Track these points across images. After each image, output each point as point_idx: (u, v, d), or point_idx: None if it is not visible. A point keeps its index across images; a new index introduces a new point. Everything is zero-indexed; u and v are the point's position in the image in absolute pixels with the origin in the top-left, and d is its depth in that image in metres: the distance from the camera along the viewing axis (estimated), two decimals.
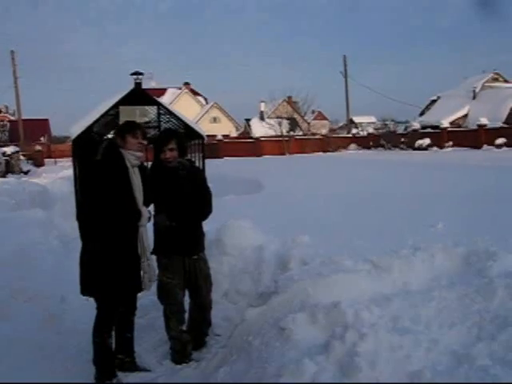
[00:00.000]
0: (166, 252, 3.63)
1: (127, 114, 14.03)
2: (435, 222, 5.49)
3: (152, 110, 14.62)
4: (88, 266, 3.22)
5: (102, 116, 13.07)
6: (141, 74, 13.43)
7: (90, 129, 12.15)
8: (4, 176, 21.69)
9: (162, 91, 54.66)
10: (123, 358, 3.55)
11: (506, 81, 39.28)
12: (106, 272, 3.20)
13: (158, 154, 3.59)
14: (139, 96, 13.39)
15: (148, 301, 4.56)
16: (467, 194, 8.86)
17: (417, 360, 2.38)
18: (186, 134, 13.71)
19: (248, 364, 2.86)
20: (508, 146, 25.07)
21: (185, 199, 3.59)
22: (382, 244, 4.33)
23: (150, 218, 3.47)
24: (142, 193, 3.35)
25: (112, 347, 3.40)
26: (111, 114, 13.58)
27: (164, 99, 43.92)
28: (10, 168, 24.08)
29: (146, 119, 15.60)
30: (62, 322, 4.33)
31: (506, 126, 28.25)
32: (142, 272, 3.37)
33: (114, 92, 14.50)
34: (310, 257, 4.07)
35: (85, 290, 3.30)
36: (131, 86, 13.25)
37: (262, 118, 49.14)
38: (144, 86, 13.95)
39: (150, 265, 3.44)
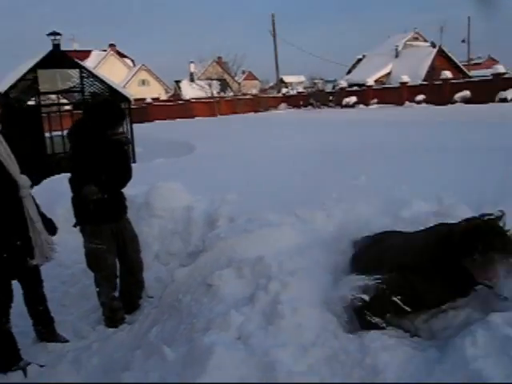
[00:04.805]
0: (92, 221, 3.55)
1: (47, 79, 13.19)
2: (358, 174, 5.70)
3: (74, 74, 13.84)
4: None
5: (19, 81, 12.25)
6: (59, 34, 12.58)
7: (6, 94, 11.38)
8: None
9: (86, 54, 51.57)
10: (41, 329, 3.52)
11: (425, 40, 40.84)
12: None
13: (106, 127, 3.42)
14: (59, 59, 12.60)
15: (78, 269, 4.49)
16: (387, 147, 9.29)
17: None
18: (111, 98, 13.15)
19: (178, 321, 2.92)
20: (427, 103, 26.43)
21: (117, 170, 3.52)
22: (307, 198, 4.45)
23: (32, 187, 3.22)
24: (15, 161, 3.09)
25: (11, 331, 3.21)
26: (29, 79, 12.73)
27: (88, 62, 41.55)
28: None
29: (69, 84, 14.76)
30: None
31: (425, 83, 29.58)
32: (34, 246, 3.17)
33: (32, 55, 13.54)
34: (237, 214, 4.11)
35: None
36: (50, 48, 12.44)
37: (191, 80, 48.01)
38: (66, 48, 13.16)
39: (42, 238, 3.20)
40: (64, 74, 14.06)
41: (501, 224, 2.23)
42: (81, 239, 3.68)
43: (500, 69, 24.37)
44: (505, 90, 22.58)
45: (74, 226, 3.61)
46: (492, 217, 2.26)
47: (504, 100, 22.19)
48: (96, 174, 3.44)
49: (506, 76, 24.07)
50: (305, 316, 2.36)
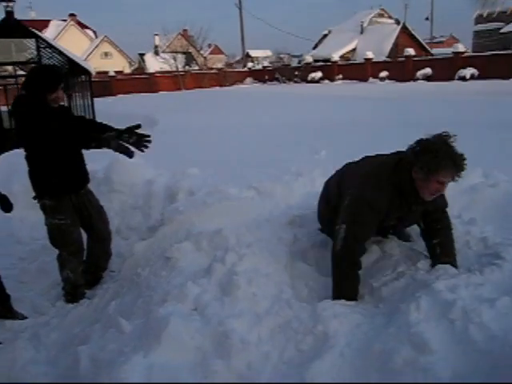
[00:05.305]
0: (53, 193, 3.42)
1: (1, 49, 12.54)
2: (319, 149, 5.78)
3: (31, 45, 13.23)
4: None
5: None
6: (12, 0, 11.96)
7: None
8: None
9: (45, 23, 49.21)
10: None
11: (390, 17, 41.14)
12: None
13: (45, 90, 3.21)
14: (13, 27, 12.01)
15: (37, 246, 4.41)
16: (351, 122, 9.41)
17: None
18: (71, 70, 12.69)
19: (137, 294, 2.92)
20: (390, 79, 26.84)
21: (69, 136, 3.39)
22: (268, 172, 4.49)
23: None
24: None
25: None
26: None
27: (48, 33, 39.88)
28: None
29: (26, 55, 14.14)
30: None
31: (388, 59, 29.91)
32: None
33: None
34: (198, 187, 4.11)
35: None
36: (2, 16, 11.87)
37: (156, 53, 46.87)
38: (21, 17, 12.55)
39: None
40: (20, 44, 13.43)
41: (451, 141, 2.41)
42: (40, 215, 3.57)
43: (460, 47, 24.89)
44: (464, 68, 23.18)
45: (34, 198, 3.50)
46: (445, 134, 2.42)
47: (463, 78, 22.75)
48: (49, 146, 3.26)
49: (465, 55, 24.64)
50: (260, 286, 2.41)
